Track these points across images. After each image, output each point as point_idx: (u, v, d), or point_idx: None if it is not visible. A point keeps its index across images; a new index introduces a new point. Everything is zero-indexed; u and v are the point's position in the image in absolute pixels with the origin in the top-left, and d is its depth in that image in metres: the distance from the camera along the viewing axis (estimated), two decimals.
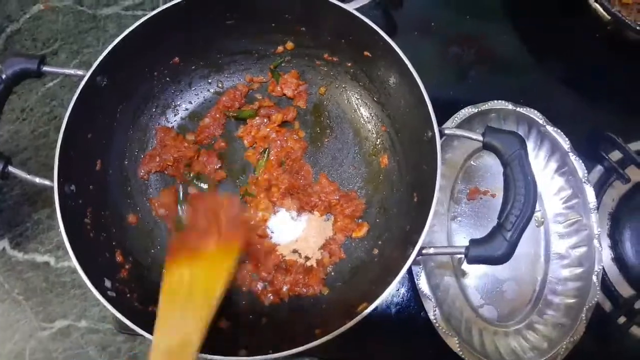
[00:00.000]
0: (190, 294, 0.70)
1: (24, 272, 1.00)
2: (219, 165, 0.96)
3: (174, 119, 0.99)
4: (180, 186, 0.96)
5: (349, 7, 0.84)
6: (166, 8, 0.84)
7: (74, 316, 0.98)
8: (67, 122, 0.77)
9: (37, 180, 0.76)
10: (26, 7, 1.18)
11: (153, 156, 0.94)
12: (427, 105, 0.77)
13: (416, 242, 0.72)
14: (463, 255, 0.71)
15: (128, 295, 0.78)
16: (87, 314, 0.98)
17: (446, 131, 0.77)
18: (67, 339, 0.97)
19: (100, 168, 0.87)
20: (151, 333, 0.69)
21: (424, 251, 0.72)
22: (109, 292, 0.74)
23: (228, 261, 0.74)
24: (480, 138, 0.74)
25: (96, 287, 0.72)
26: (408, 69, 0.79)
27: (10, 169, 0.76)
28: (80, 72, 0.80)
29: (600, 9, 0.98)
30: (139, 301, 0.78)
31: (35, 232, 1.02)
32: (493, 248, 0.68)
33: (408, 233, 0.80)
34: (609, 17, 0.97)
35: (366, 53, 0.88)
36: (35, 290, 0.99)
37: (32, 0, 1.18)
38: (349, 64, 0.95)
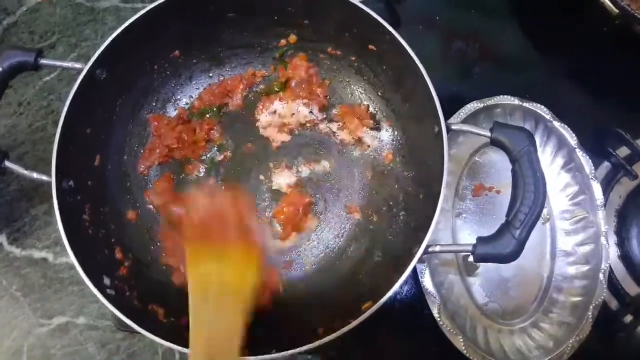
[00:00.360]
0: (221, 293, 0.67)
1: (22, 268, 0.99)
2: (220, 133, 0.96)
3: (174, 113, 0.98)
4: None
5: (354, 0, 0.82)
6: (166, 0, 0.82)
7: (73, 313, 0.96)
8: (65, 116, 0.76)
9: (35, 175, 0.75)
10: (23, 0, 1.16)
11: (152, 149, 0.93)
12: (433, 100, 0.75)
13: (422, 240, 0.71)
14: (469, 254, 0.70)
15: (127, 293, 0.77)
16: (86, 310, 0.97)
17: (453, 126, 0.75)
18: (66, 336, 0.95)
19: (99, 163, 0.86)
20: (150, 331, 0.69)
21: (430, 249, 0.71)
22: (107, 290, 0.73)
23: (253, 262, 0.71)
24: (488, 134, 0.73)
25: (95, 285, 0.71)
26: (414, 62, 0.77)
27: (7, 164, 0.75)
28: (78, 65, 0.78)
29: (608, 2, 0.96)
30: (139, 299, 0.77)
31: (32, 228, 1.01)
32: (501, 246, 0.67)
33: (413, 230, 0.79)
34: (617, 11, 0.95)
35: (371, 47, 0.87)
36: (33, 287, 0.98)
37: None
38: (353, 58, 0.93)
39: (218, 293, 0.67)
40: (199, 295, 0.66)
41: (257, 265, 0.71)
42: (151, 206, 0.92)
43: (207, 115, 0.97)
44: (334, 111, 0.98)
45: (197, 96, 0.98)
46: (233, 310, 0.66)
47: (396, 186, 0.91)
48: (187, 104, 0.98)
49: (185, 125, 0.96)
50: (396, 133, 0.93)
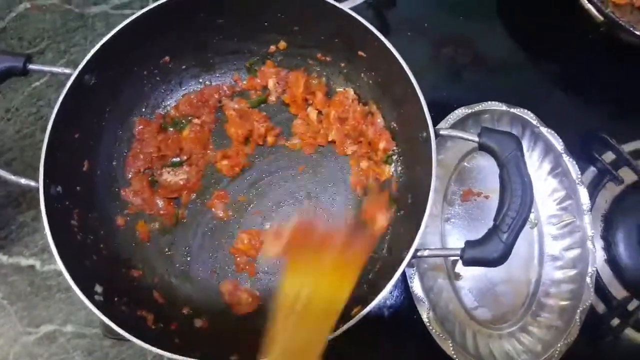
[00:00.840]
0: (310, 307, 0.63)
1: (8, 275, 0.97)
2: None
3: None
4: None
5: (344, 7, 0.83)
6: (156, 6, 0.82)
7: (60, 321, 0.95)
8: (54, 121, 0.76)
9: (23, 181, 0.74)
10: (12, 5, 1.16)
11: (135, 155, 0.92)
12: (422, 106, 0.76)
13: (411, 245, 0.71)
14: (458, 257, 0.70)
15: (116, 299, 0.76)
16: (73, 318, 0.95)
17: (442, 132, 0.76)
18: (53, 344, 0.94)
19: (88, 169, 0.85)
20: (138, 337, 0.68)
21: (418, 253, 0.71)
22: (96, 296, 0.72)
23: (351, 273, 0.67)
24: (476, 139, 0.73)
25: (83, 291, 0.70)
26: (403, 68, 0.78)
27: None
28: (67, 71, 0.78)
29: (594, 10, 0.97)
30: (127, 305, 0.77)
31: (19, 235, 1.00)
32: (489, 250, 0.67)
33: (402, 235, 0.79)
34: (602, 18, 0.97)
35: (360, 53, 0.87)
36: (20, 295, 0.96)
37: None
38: (343, 64, 0.94)
39: (306, 306, 0.63)
40: (286, 307, 0.63)
41: (353, 281, 0.67)
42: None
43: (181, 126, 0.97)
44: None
45: (173, 105, 0.98)
46: (318, 326, 0.63)
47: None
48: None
49: (165, 134, 0.95)
50: None
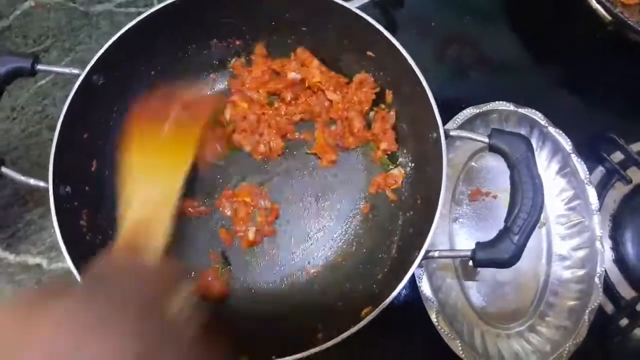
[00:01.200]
0: (154, 166, 0.69)
1: (16, 274, 0.97)
2: None
3: None
4: None
5: (351, 6, 0.82)
6: (163, 6, 0.82)
7: None
8: (63, 121, 0.76)
9: (32, 181, 0.74)
10: (16, 4, 1.15)
11: None
12: (431, 106, 0.75)
13: (421, 246, 0.71)
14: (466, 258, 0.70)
15: None
16: None
17: (451, 132, 0.76)
18: None
19: (96, 169, 0.85)
20: None
21: (429, 254, 0.71)
22: None
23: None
24: (486, 140, 0.73)
25: None
26: (412, 68, 0.78)
27: (4, 169, 0.74)
28: (75, 71, 0.78)
29: (602, 10, 0.97)
30: None
31: (27, 234, 0.99)
32: (500, 251, 0.67)
33: (412, 235, 0.79)
34: (610, 18, 0.97)
35: (369, 53, 0.87)
36: None
37: None
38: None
39: (156, 157, 0.68)
40: (137, 159, 0.68)
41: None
42: None
43: None
44: None
45: None
46: (169, 174, 0.67)
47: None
48: None
49: None
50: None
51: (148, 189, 0.66)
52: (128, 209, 0.63)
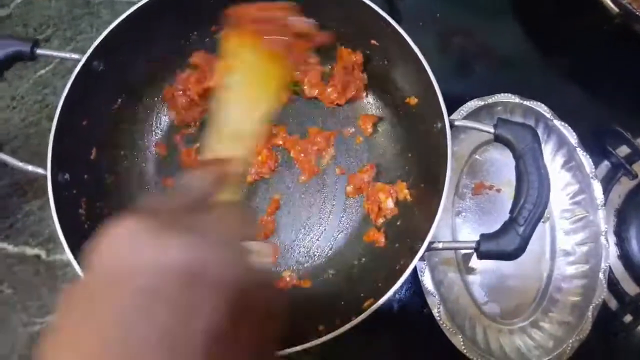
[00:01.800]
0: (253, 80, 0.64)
1: (14, 265, 0.97)
2: None
3: None
4: None
5: None
6: None
7: None
8: (62, 107, 0.75)
9: (30, 168, 0.73)
10: None
11: None
12: (437, 95, 0.74)
13: (424, 237, 0.70)
14: (468, 252, 0.69)
15: None
16: None
17: (456, 122, 0.74)
18: None
19: (95, 157, 0.84)
20: None
21: (433, 246, 0.70)
22: None
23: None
24: (492, 130, 0.72)
25: None
26: (417, 57, 0.76)
27: (2, 156, 0.74)
28: (76, 56, 0.77)
29: (609, 1, 0.96)
30: None
31: (25, 224, 0.99)
32: (505, 243, 0.66)
33: (416, 227, 0.78)
34: (617, 10, 0.95)
35: (373, 41, 0.86)
36: (25, 284, 0.95)
37: None
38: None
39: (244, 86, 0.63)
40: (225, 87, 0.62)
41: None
42: None
43: None
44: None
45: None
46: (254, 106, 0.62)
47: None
48: None
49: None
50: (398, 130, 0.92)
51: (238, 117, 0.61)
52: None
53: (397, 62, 0.86)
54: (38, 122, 1.05)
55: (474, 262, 0.91)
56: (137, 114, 0.94)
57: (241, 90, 0.62)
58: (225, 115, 0.61)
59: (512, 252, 0.66)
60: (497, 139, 0.72)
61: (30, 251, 0.98)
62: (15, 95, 1.06)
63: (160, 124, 0.96)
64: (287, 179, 0.94)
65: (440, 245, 0.71)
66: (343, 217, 0.91)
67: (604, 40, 1.07)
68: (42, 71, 1.08)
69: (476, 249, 0.68)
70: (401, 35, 0.78)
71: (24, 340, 0.93)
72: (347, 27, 0.89)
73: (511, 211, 0.68)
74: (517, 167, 0.70)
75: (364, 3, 0.80)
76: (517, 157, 0.70)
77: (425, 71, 0.76)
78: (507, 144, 0.71)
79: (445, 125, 0.73)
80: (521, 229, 0.66)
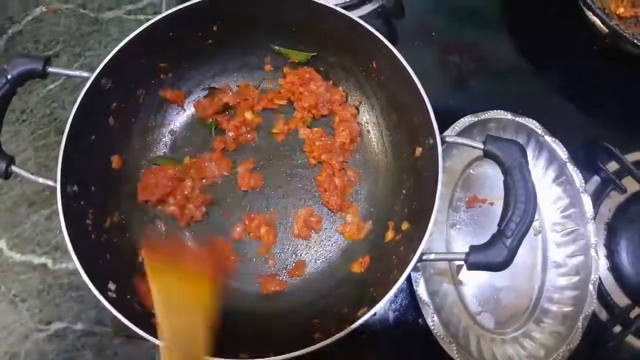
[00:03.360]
0: (182, 300, 0.69)
1: (21, 273, 0.99)
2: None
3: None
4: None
5: (353, 15, 0.85)
6: (171, 13, 0.85)
7: (71, 318, 0.97)
8: (71, 122, 0.78)
9: (40, 180, 0.76)
10: (28, 9, 1.18)
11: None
12: (429, 113, 0.77)
13: (417, 248, 0.72)
14: (462, 263, 0.71)
15: (128, 296, 0.78)
16: (84, 316, 0.97)
17: (447, 139, 0.77)
18: (63, 342, 0.96)
19: (103, 169, 0.87)
20: (150, 334, 0.70)
21: (424, 257, 0.73)
22: (109, 294, 0.74)
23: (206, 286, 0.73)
24: (481, 146, 0.75)
25: (98, 289, 0.72)
26: (410, 76, 0.80)
27: (14, 168, 0.76)
28: (85, 74, 0.80)
29: (598, 22, 0.99)
30: (139, 303, 0.78)
31: (32, 234, 1.01)
32: (493, 254, 0.69)
33: (408, 239, 0.81)
34: (607, 30, 0.99)
35: (374, 64, 0.90)
36: (31, 292, 0.98)
37: (34, 2, 1.18)
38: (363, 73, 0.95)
39: (179, 299, 0.69)
40: (161, 299, 0.68)
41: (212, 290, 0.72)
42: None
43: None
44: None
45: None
46: (194, 316, 0.67)
47: (392, 197, 0.92)
48: None
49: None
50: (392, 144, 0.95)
51: (178, 322, 0.68)
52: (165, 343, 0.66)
53: (390, 80, 0.89)
54: (46, 135, 1.08)
55: (468, 273, 0.93)
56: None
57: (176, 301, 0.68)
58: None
59: (500, 264, 0.69)
60: (486, 154, 0.75)
61: (37, 260, 1.00)
62: (25, 109, 1.10)
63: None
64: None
65: (432, 257, 0.73)
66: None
67: (594, 59, 1.10)
68: (51, 86, 1.11)
69: (465, 260, 0.70)
70: (396, 56, 0.81)
71: (29, 347, 0.96)
72: (343, 56, 0.94)
73: (499, 224, 0.71)
74: (505, 182, 0.73)
75: (362, 26, 0.83)
76: (505, 172, 0.73)
77: (418, 90, 0.79)
78: (495, 159, 0.74)
79: (436, 142, 0.76)
80: (509, 241, 0.68)
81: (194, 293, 0.70)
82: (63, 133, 0.78)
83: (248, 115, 0.98)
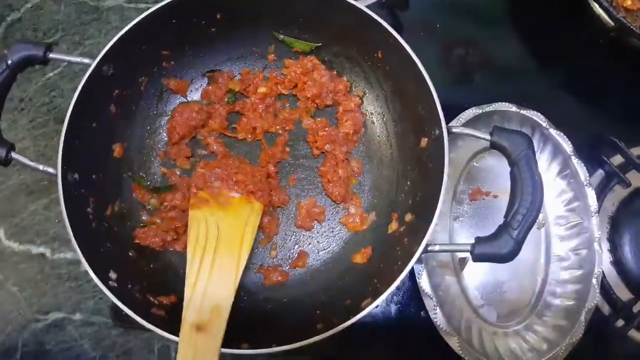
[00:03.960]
0: (216, 251, 0.69)
1: (19, 263, 0.99)
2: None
3: None
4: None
5: (360, 5, 0.84)
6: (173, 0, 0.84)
7: (69, 309, 0.97)
8: (72, 110, 0.77)
9: (41, 167, 0.75)
10: None
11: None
12: (435, 104, 0.77)
13: (421, 240, 0.72)
14: (465, 256, 0.71)
15: (129, 285, 0.77)
16: (82, 306, 0.97)
17: (454, 129, 0.77)
18: (61, 332, 0.96)
19: (103, 158, 0.86)
20: (151, 323, 0.69)
21: (429, 248, 0.72)
22: (110, 282, 0.73)
23: (252, 215, 0.77)
24: (488, 137, 0.74)
25: (99, 278, 0.71)
26: (417, 66, 0.79)
27: (14, 155, 0.75)
28: (87, 60, 0.79)
29: (605, 15, 0.99)
30: (140, 292, 0.78)
31: (31, 223, 1.01)
32: (499, 246, 0.68)
33: (413, 230, 0.80)
34: (613, 23, 0.98)
35: (379, 54, 0.89)
36: (30, 282, 0.98)
37: None
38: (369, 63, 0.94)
39: (213, 251, 0.69)
40: (196, 257, 0.68)
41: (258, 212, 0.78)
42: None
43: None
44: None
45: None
46: (227, 269, 0.67)
47: (396, 188, 0.92)
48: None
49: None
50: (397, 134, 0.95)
51: (210, 274, 0.71)
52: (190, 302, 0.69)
53: (396, 70, 0.88)
54: (46, 123, 1.07)
55: (470, 265, 0.93)
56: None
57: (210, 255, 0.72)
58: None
59: (506, 255, 0.68)
60: (493, 145, 0.74)
61: (35, 250, 1.00)
62: (24, 97, 1.09)
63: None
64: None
65: (437, 248, 0.73)
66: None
67: (599, 52, 1.10)
68: (50, 74, 1.10)
69: (471, 252, 0.69)
70: (402, 46, 0.80)
71: (27, 336, 0.95)
72: (348, 46, 0.93)
73: (505, 215, 0.70)
74: (511, 173, 0.72)
75: (367, 14, 0.82)
76: (512, 164, 0.72)
77: (425, 80, 0.78)
78: (502, 150, 0.73)
79: (442, 132, 0.76)
80: (515, 233, 0.68)
81: (233, 232, 0.73)
82: (62, 122, 0.77)
83: (262, 89, 0.97)
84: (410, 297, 0.94)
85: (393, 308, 0.94)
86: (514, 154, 0.72)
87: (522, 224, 0.68)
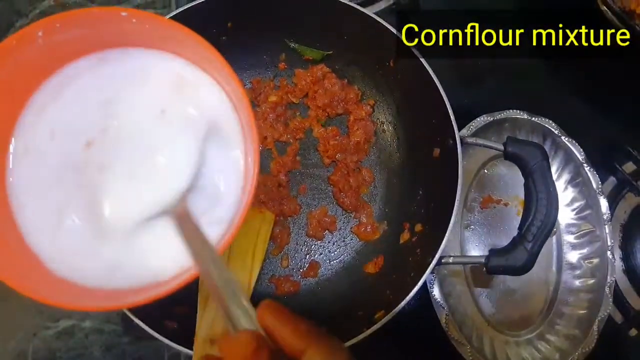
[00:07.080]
0: (227, 263, 0.70)
1: None
2: None
3: None
4: None
5: (369, 12, 0.84)
6: (182, 10, 0.83)
7: (79, 316, 0.96)
8: None
9: None
10: (36, 3, 1.16)
11: None
12: (448, 114, 0.76)
13: (435, 252, 0.72)
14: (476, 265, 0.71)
15: None
16: (92, 314, 0.96)
17: (467, 140, 0.76)
18: (71, 339, 0.95)
19: None
20: (160, 333, 0.69)
21: (443, 260, 0.72)
22: None
23: (264, 226, 0.77)
24: (502, 148, 0.74)
25: None
26: (430, 76, 0.79)
27: None
28: None
29: (616, 21, 0.98)
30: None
31: None
32: (514, 258, 0.68)
33: (426, 241, 0.80)
34: (626, 30, 0.97)
35: (391, 63, 0.89)
36: None
37: None
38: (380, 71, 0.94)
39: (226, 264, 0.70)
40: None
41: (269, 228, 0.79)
42: None
43: None
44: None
45: None
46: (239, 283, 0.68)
47: (408, 198, 0.91)
48: None
49: None
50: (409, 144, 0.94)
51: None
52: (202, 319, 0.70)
53: (408, 79, 0.88)
54: None
55: (482, 274, 0.93)
56: None
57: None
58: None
59: (521, 268, 0.68)
60: (507, 156, 0.74)
61: None
62: None
63: None
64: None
65: (451, 260, 0.73)
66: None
67: (612, 58, 1.09)
68: None
69: (486, 264, 0.69)
70: (413, 54, 0.80)
71: (37, 344, 0.95)
72: (358, 54, 0.93)
73: (520, 227, 0.70)
74: (526, 185, 0.72)
75: (380, 23, 0.82)
76: (527, 175, 0.72)
77: (438, 89, 0.78)
78: (516, 161, 0.73)
79: (456, 143, 0.75)
80: (530, 245, 0.68)
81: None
82: None
83: (273, 98, 0.96)
84: (422, 305, 0.94)
85: (404, 317, 0.93)
86: (529, 166, 0.72)
87: (537, 237, 0.68)
